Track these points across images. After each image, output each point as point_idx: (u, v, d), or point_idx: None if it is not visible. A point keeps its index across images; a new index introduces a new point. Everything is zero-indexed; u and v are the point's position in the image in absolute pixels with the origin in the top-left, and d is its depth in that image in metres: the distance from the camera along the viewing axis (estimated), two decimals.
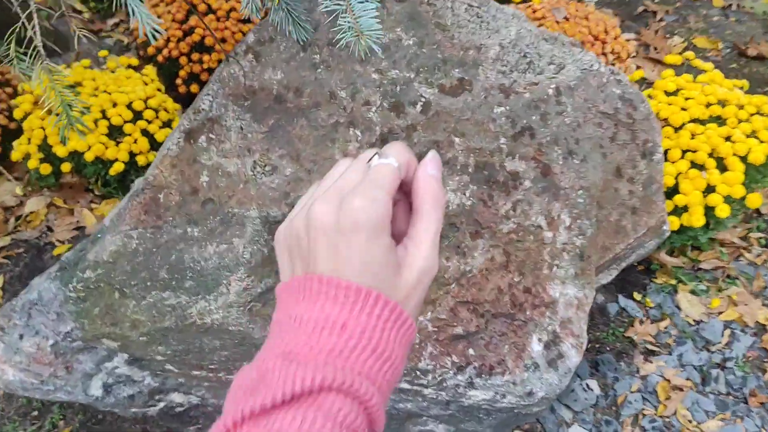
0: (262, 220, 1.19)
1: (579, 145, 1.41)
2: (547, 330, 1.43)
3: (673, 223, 1.69)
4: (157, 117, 2.03)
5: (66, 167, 1.97)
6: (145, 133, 2.00)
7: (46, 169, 1.97)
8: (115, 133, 1.99)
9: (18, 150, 1.97)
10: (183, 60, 2.22)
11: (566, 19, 2.02)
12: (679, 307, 1.81)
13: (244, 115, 1.21)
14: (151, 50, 2.24)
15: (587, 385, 1.68)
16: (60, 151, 1.93)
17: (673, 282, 1.84)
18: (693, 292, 1.82)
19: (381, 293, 0.43)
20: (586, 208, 1.43)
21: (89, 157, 1.92)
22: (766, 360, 1.72)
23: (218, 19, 2.23)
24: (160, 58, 2.22)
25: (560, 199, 1.40)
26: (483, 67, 1.35)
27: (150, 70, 2.21)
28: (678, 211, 1.71)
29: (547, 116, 1.39)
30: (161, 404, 1.47)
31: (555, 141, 1.39)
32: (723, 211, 1.68)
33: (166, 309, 1.20)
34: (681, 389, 1.67)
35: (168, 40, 2.21)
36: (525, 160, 1.37)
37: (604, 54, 1.99)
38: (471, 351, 1.39)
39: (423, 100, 1.29)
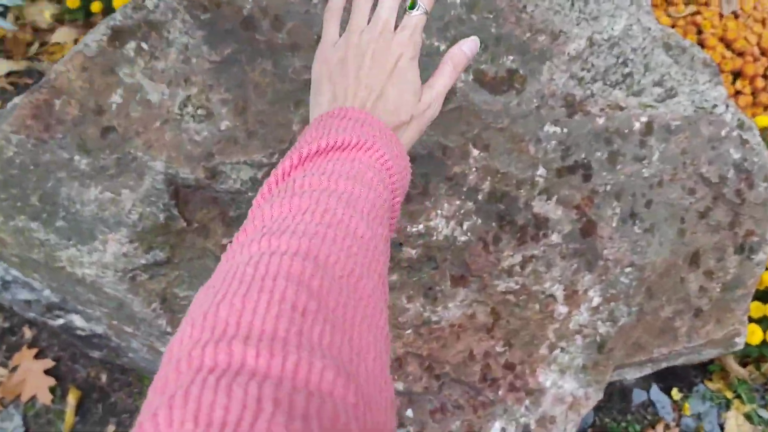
0: (167, 178, 0.88)
1: (650, 208, 1.00)
2: (518, 421, 1.08)
3: (755, 334, 1.26)
4: None
5: (96, 7, 1.71)
6: None
7: (73, 2, 1.72)
8: None
9: None
10: None
11: (735, 15, 1.51)
12: (722, 429, 1.40)
13: (195, 31, 0.88)
14: None
15: None
16: None
17: (729, 395, 1.42)
18: (749, 416, 1.40)
19: (392, 133, 0.55)
20: (630, 291, 1.03)
21: (117, 3, 1.65)
22: None
23: None
24: None
25: (595, 271, 1.01)
26: (552, 63, 0.94)
27: None
28: (767, 320, 1.28)
29: (618, 157, 0.98)
30: (61, 320, 1.26)
31: (617, 194, 0.99)
32: None
33: (35, 241, 0.94)
34: None
35: None
36: (564, 206, 0.98)
37: (765, 76, 1.48)
38: (409, 412, 1.07)
39: None
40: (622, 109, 0.97)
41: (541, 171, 0.97)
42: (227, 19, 0.88)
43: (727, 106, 1.00)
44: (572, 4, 0.94)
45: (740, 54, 1.47)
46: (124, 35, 0.88)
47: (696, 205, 1.01)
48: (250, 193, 0.90)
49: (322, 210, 0.43)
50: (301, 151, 0.49)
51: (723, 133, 0.99)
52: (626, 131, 0.97)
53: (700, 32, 1.48)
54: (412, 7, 0.58)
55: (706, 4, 1.60)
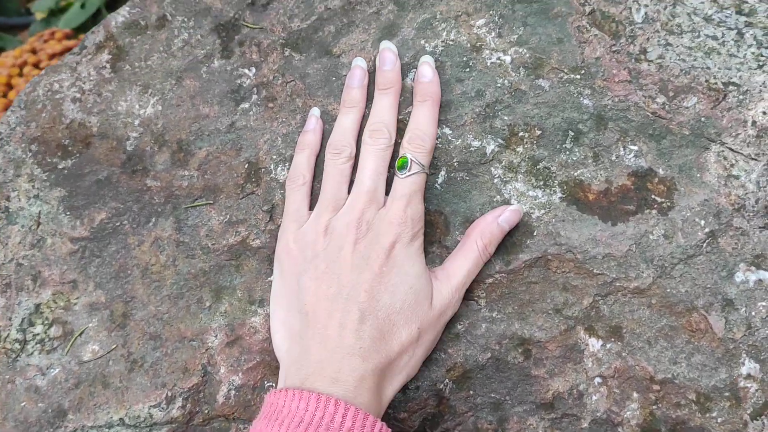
0: None
1: None
2: None
3: None
4: None
5: None
6: None
7: None
8: None
9: None
10: None
11: None
12: None
13: (50, 191, 0.51)
14: None
15: None
16: None
17: None
18: None
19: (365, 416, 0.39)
20: None
21: None
22: None
23: None
24: None
25: None
26: (722, 144, 0.47)
27: None
28: None
29: None
30: None
31: None
32: None
33: None
34: None
35: None
36: None
37: None
38: None
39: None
40: None
41: (747, 367, 0.45)
42: (100, 164, 0.50)
43: None
44: (739, 34, 0.48)
45: None
46: None
47: None
48: None
49: None
50: None
51: None
52: None
53: None
54: (402, 167, 0.42)
55: None
